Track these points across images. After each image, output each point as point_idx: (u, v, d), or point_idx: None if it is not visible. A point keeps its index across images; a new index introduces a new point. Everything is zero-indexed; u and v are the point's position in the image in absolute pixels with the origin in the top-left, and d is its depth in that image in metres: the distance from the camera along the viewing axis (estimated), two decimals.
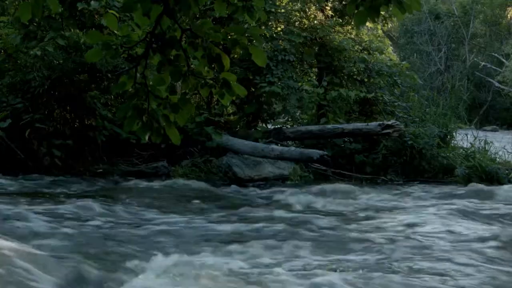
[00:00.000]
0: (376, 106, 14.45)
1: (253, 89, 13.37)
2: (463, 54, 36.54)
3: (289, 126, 14.13)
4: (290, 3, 14.52)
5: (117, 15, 3.79)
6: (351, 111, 14.69)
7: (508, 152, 14.42)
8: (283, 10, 14.22)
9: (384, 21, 15.60)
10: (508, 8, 37.39)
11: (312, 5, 14.68)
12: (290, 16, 14.35)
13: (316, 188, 11.21)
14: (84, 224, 8.13)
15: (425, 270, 6.33)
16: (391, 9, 3.46)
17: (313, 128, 13.44)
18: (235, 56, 13.19)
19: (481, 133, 16.18)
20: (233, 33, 3.76)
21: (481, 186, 11.80)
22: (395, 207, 9.99)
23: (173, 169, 12.60)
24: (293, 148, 12.76)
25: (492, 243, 7.45)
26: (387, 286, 5.81)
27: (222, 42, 3.70)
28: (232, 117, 14.29)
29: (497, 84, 33.39)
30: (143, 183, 11.54)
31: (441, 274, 6.21)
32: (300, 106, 14.10)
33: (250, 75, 13.43)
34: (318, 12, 14.87)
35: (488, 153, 13.65)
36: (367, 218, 9.05)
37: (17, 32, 12.31)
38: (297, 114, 14.74)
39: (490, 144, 14.09)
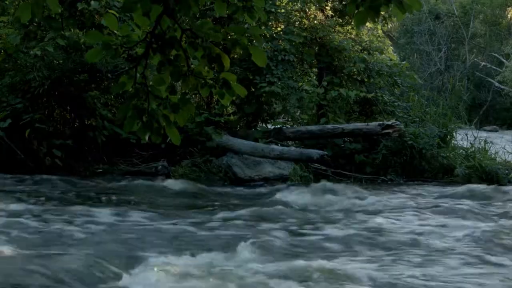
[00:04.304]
0: (376, 106, 14.45)
1: (253, 89, 13.36)
2: (463, 54, 36.50)
3: (289, 126, 14.12)
4: (290, 3, 14.50)
5: (117, 15, 3.79)
6: (351, 111, 14.69)
7: (508, 152, 14.42)
8: (283, 10, 14.21)
9: (384, 21, 15.58)
10: (508, 8, 37.37)
11: (312, 5, 14.67)
12: (290, 16, 14.34)
13: (316, 188, 11.20)
14: (83, 223, 8.12)
15: (424, 270, 6.33)
16: (391, 9, 3.46)
17: (313, 128, 13.43)
18: (235, 56, 13.18)
19: (481, 133, 16.18)
20: (233, 33, 3.76)
21: (481, 186, 11.81)
22: (395, 207, 9.99)
23: (173, 169, 12.60)
24: (293, 148, 12.75)
25: (492, 243, 7.45)
26: (386, 286, 5.81)
27: (222, 42, 3.70)
28: (232, 117, 14.28)
29: (497, 84, 33.36)
30: (143, 183, 11.54)
31: (441, 274, 6.21)
32: (300, 106, 14.09)
33: (250, 75, 13.42)
34: (318, 12, 14.85)
35: (488, 153, 13.65)
36: (367, 218, 9.05)
37: (17, 32, 12.29)
38: (297, 114, 14.73)
39: (490, 144, 14.09)
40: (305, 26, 14.44)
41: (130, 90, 3.64)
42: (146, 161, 13.01)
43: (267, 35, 13.67)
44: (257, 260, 6.51)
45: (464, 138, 14.30)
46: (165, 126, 3.64)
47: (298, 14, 14.53)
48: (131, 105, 3.60)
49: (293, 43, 13.75)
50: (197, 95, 12.52)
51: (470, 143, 13.96)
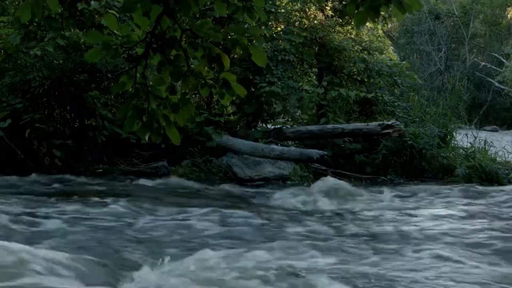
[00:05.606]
0: (376, 106, 14.45)
1: (253, 89, 13.36)
2: (463, 54, 36.51)
3: (289, 126, 14.12)
4: (290, 3, 14.51)
5: (117, 15, 3.79)
6: (351, 111, 14.69)
7: (508, 152, 14.41)
8: (283, 10, 14.22)
9: (384, 21, 15.59)
10: (508, 8, 37.38)
11: (312, 5, 14.67)
12: (290, 16, 14.34)
13: (316, 188, 11.20)
14: (83, 224, 8.13)
15: (424, 270, 6.33)
16: (391, 9, 3.46)
17: (313, 128, 13.44)
18: (235, 56, 13.18)
19: (481, 133, 16.18)
20: (233, 33, 3.76)
21: (481, 186, 11.81)
22: (395, 207, 9.99)
23: (173, 169, 12.60)
24: (293, 148, 12.75)
25: (492, 242, 7.46)
26: (387, 286, 5.82)
27: (222, 42, 3.70)
28: (232, 117, 14.29)
29: (497, 84, 33.37)
30: (143, 183, 11.54)
31: (441, 274, 6.21)
32: (300, 106, 14.09)
33: (250, 75, 13.43)
34: (318, 12, 14.85)
35: (488, 153, 13.65)
36: (367, 218, 9.06)
37: (17, 32, 12.30)
38: (297, 114, 14.74)
39: (490, 144, 14.09)
40: (305, 26, 14.45)
41: (130, 90, 3.65)
42: (146, 161, 13.01)
43: (267, 35, 13.67)
44: (255, 260, 6.51)
45: (464, 138, 14.29)
46: (165, 126, 3.64)
47: (298, 14, 14.54)
48: (131, 105, 3.61)
49: (293, 43, 13.75)
50: (197, 95, 12.53)
51: (470, 143, 13.95)
